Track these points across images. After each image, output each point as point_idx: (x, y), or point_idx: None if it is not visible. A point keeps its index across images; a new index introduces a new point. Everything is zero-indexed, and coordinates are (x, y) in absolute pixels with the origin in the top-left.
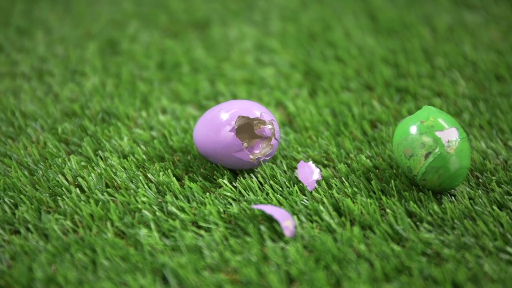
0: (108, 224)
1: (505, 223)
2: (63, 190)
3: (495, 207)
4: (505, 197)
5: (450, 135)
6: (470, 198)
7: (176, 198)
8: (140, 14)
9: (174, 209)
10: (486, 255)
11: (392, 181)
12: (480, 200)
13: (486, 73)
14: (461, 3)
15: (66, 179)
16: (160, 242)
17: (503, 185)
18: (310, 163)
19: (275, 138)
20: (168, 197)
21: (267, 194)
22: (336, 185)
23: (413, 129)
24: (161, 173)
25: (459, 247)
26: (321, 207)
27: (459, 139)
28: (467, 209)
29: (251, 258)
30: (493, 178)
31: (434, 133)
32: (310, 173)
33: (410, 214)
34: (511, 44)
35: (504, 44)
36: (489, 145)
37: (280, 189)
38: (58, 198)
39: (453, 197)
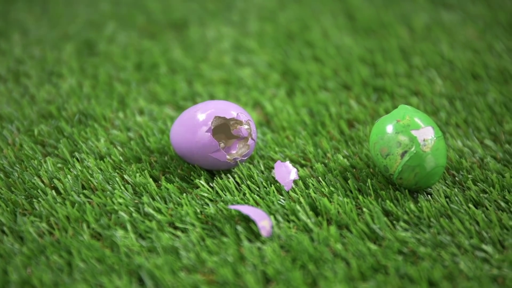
0: (84, 226)
1: (480, 221)
2: (39, 192)
3: (471, 205)
4: (481, 195)
5: (426, 134)
6: (446, 197)
7: (153, 199)
8: (118, 15)
9: (150, 210)
10: (462, 253)
11: (369, 180)
12: (456, 198)
13: (463, 72)
14: (438, 3)
15: (42, 181)
16: (137, 243)
17: (479, 183)
18: (287, 163)
19: (252, 138)
20: (145, 198)
21: (244, 194)
22: (313, 185)
23: (389, 128)
24: (137, 174)
25: (435, 245)
26: (298, 207)
27: (435, 138)
28: (443, 207)
29: (227, 259)
30: (469, 176)
31: (410, 132)
32: (287, 173)
33: (387, 213)
34: (488, 43)
35: (480, 43)
36: (465, 144)
37: (257, 189)
38: (34, 200)
39: (429, 196)
